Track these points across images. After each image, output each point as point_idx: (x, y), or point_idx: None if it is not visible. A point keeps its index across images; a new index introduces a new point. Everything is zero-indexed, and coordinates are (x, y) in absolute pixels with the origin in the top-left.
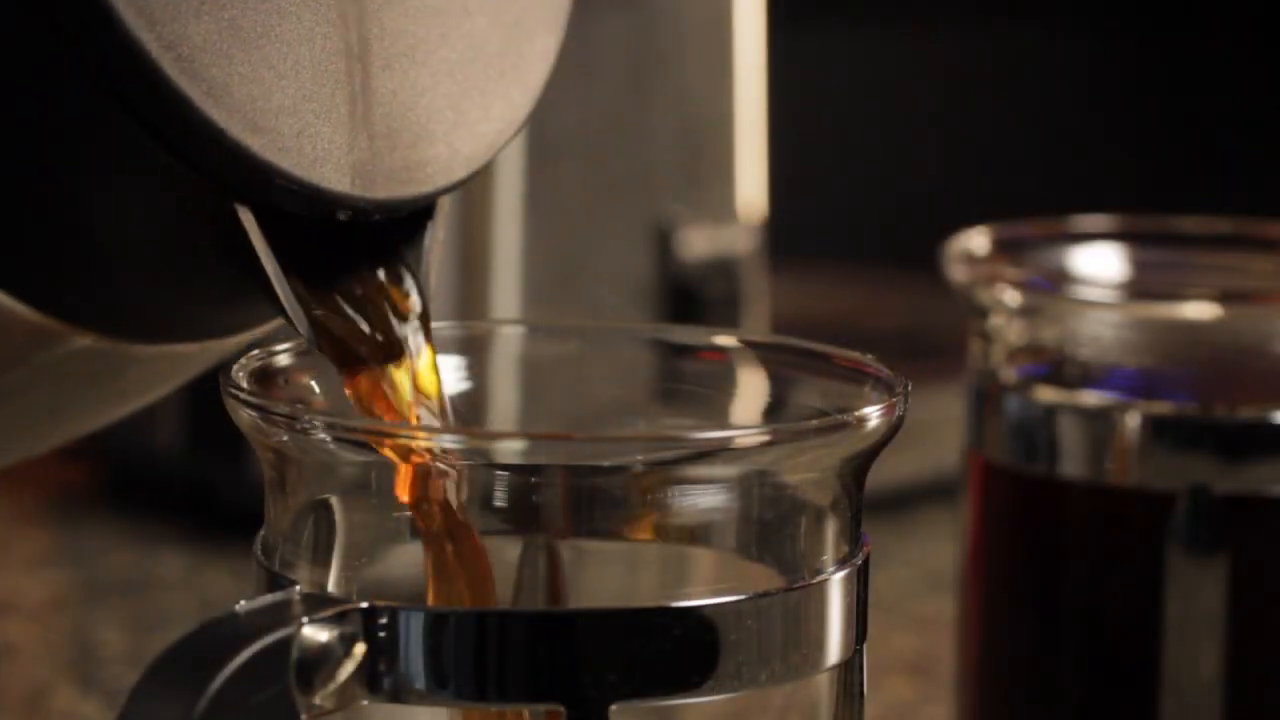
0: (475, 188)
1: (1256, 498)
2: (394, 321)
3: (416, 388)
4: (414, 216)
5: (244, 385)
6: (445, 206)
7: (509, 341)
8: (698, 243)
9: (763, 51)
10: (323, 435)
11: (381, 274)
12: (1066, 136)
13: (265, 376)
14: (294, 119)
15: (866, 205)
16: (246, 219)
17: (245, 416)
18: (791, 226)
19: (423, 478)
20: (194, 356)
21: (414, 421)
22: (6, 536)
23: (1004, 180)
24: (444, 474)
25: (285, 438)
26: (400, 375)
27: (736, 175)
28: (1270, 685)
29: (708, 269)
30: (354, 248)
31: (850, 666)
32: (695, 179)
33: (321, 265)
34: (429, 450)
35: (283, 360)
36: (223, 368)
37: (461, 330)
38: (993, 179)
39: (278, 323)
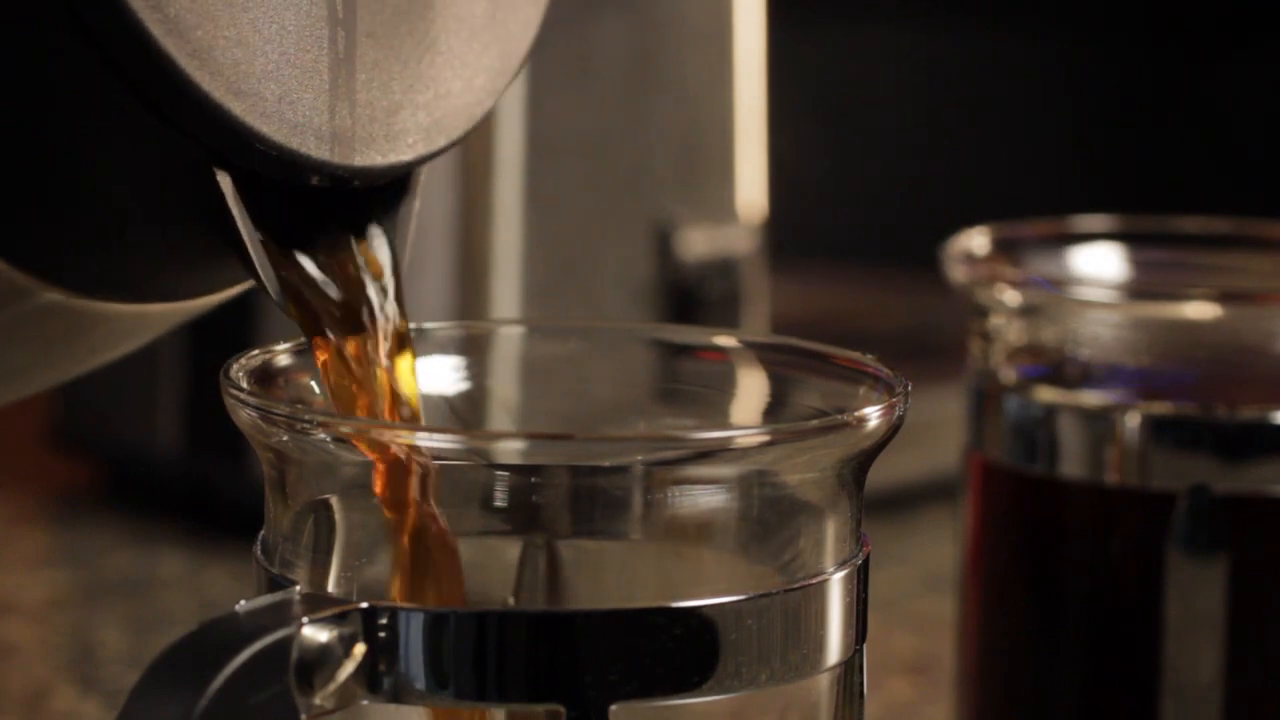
0: (475, 188)
1: (1256, 498)
2: (366, 291)
3: (388, 359)
4: (392, 186)
5: (244, 385)
6: (422, 177)
7: (509, 341)
8: (698, 243)
9: (763, 51)
10: (323, 435)
11: (356, 243)
12: (1066, 136)
13: (265, 376)
14: (276, 84)
15: (866, 205)
16: (224, 182)
17: (245, 416)
18: (791, 226)
19: (397, 474)
20: (162, 315)
21: (379, 392)
22: (6, 536)
23: (1004, 180)
24: (419, 470)
25: (285, 438)
26: (367, 345)
27: (736, 175)
28: (1270, 685)
29: (708, 269)
30: (331, 216)
31: (850, 666)
32: (695, 179)
33: (297, 231)
34: (413, 448)
35: (283, 360)
36: (223, 367)
37: (461, 330)
38: (993, 179)
39: (247, 285)
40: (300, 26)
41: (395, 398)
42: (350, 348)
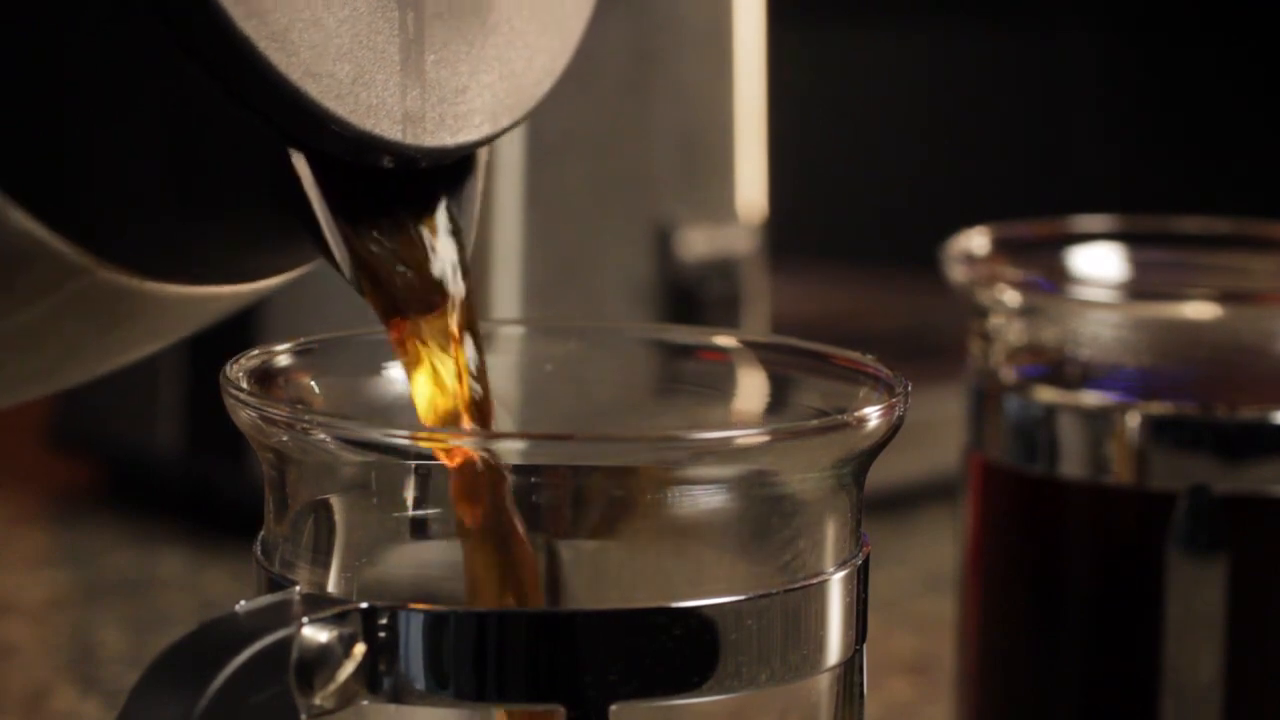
0: None
1: (1256, 498)
2: (438, 270)
3: (461, 336)
4: (456, 166)
5: (244, 385)
6: (485, 158)
7: (509, 341)
8: (698, 243)
9: (763, 51)
10: (323, 435)
11: (425, 222)
12: (1066, 136)
13: (265, 376)
14: (350, 66)
15: (866, 205)
16: (300, 163)
17: (245, 416)
18: (791, 226)
19: (467, 478)
20: (221, 299)
21: (453, 371)
22: (6, 536)
23: (1004, 180)
24: (491, 474)
25: (285, 438)
26: (440, 325)
27: (736, 175)
28: (1270, 685)
29: (708, 269)
30: (399, 196)
31: (850, 666)
32: (695, 179)
33: (367, 212)
34: (433, 451)
35: (283, 360)
36: (223, 368)
37: None
38: (993, 179)
39: (311, 266)
40: (372, 8)
41: (468, 376)
42: (425, 327)
